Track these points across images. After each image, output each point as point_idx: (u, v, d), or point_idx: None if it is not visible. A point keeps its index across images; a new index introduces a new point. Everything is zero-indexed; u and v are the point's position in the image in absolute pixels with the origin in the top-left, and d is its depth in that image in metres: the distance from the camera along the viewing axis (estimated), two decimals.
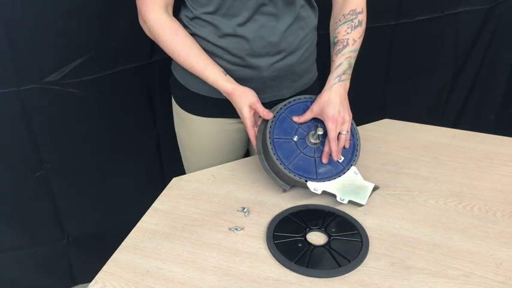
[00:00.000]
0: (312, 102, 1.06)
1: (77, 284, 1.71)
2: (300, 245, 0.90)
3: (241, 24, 1.02)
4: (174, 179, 1.10)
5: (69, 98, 1.30)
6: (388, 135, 1.25)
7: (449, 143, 1.21)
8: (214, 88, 1.07)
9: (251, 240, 0.92)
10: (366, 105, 1.53)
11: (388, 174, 1.10)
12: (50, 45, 1.21)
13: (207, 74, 1.04)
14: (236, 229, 0.94)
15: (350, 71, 1.04)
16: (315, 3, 1.12)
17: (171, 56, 1.07)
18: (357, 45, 1.05)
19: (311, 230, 0.94)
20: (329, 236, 0.92)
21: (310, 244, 0.90)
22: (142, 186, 1.59)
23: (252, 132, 1.05)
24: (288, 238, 0.91)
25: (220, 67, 1.05)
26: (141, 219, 0.97)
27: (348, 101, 1.04)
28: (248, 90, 1.04)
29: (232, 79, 1.05)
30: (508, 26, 1.90)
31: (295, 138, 1.02)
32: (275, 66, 1.08)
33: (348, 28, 1.05)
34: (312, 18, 1.12)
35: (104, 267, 0.86)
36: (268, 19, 1.03)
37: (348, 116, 1.02)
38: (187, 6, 1.07)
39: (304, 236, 0.92)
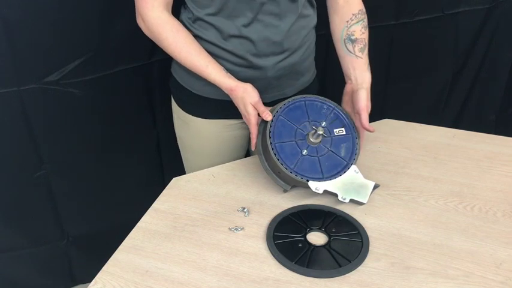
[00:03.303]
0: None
1: (77, 284, 1.71)
2: (300, 245, 0.90)
3: (246, 25, 1.02)
4: (174, 179, 1.10)
5: (69, 98, 1.30)
6: (388, 135, 1.25)
7: (449, 143, 1.21)
8: (217, 89, 1.07)
9: (251, 240, 0.92)
10: None
11: (388, 174, 1.09)
12: (50, 45, 1.21)
13: (208, 71, 1.04)
14: (236, 229, 0.94)
15: None
16: (314, 2, 1.12)
17: (171, 55, 1.07)
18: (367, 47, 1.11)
19: (311, 230, 0.94)
20: (329, 236, 0.92)
21: (310, 244, 0.90)
22: (142, 186, 1.58)
23: (254, 130, 1.04)
24: (288, 238, 0.91)
25: (220, 65, 1.05)
26: (141, 219, 0.97)
27: None
28: (251, 88, 1.03)
29: (232, 76, 1.05)
30: (508, 26, 1.90)
31: (304, 152, 1.02)
32: (279, 65, 1.08)
33: (362, 28, 1.10)
34: (312, 16, 1.12)
35: (104, 267, 0.86)
36: (272, 19, 1.03)
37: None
38: (188, 7, 1.07)
39: (305, 236, 0.92)
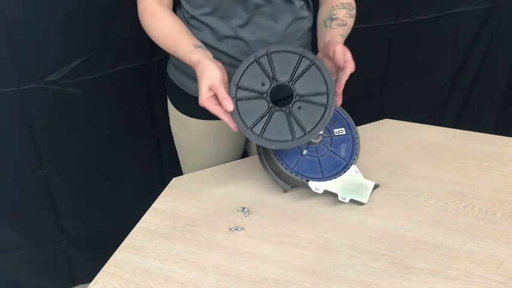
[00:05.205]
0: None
1: (77, 284, 1.71)
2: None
3: (241, 26, 1.02)
4: (174, 179, 1.10)
5: (69, 98, 1.30)
6: (388, 135, 1.25)
7: (449, 143, 1.21)
8: None
9: (251, 240, 0.92)
10: (365, 105, 1.53)
11: (388, 174, 1.09)
12: (50, 45, 1.21)
13: (178, 48, 0.96)
14: (236, 229, 0.94)
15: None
16: (311, 4, 1.12)
17: (161, 45, 1.02)
18: (348, 31, 1.04)
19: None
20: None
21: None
22: (142, 186, 1.59)
23: (224, 116, 0.91)
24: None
25: (196, 39, 0.97)
26: (141, 219, 0.97)
27: None
28: (212, 68, 0.90)
29: (207, 52, 0.95)
30: (508, 26, 1.90)
31: (304, 152, 1.02)
32: None
33: (347, 14, 1.04)
34: (308, 18, 1.12)
35: (104, 267, 0.86)
36: (267, 20, 1.02)
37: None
38: (183, 7, 1.06)
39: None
